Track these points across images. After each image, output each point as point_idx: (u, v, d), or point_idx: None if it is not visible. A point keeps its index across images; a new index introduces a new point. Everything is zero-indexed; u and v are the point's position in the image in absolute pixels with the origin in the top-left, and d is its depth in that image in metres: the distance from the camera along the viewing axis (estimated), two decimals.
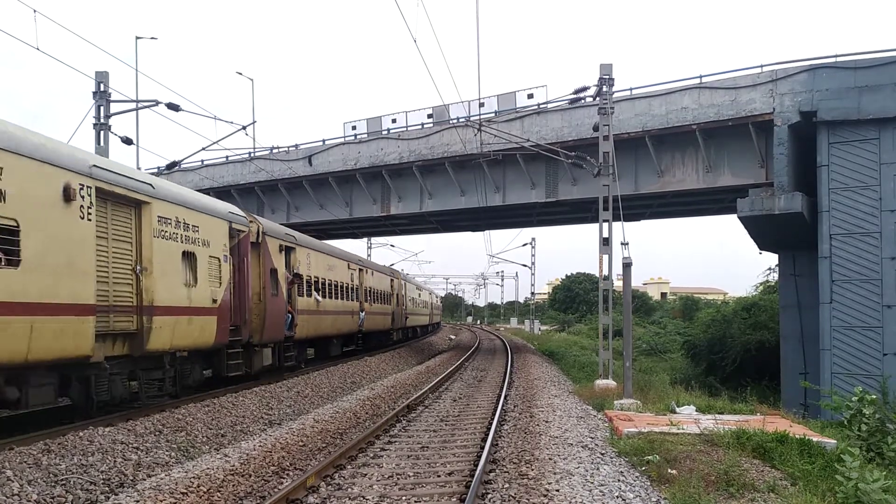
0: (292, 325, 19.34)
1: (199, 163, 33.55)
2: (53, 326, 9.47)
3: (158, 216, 12.27)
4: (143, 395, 12.42)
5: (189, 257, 13.35)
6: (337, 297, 24.54)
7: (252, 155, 31.89)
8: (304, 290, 20.68)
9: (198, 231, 13.75)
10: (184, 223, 13.20)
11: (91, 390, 10.89)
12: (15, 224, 8.82)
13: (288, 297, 19.08)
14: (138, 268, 11.79)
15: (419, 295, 49.40)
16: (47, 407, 11.08)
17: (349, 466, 9.40)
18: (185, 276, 13.22)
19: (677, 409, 12.99)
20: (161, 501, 7.36)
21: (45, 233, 9.33)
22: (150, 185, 12.34)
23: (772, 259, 37.91)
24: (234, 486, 8.35)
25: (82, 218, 10.13)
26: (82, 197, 10.11)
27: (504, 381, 20.07)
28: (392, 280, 36.58)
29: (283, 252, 18.92)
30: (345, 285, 25.73)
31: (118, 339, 11.43)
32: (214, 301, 14.24)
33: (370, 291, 30.44)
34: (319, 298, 22.14)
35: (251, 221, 16.94)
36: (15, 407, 9.60)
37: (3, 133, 8.84)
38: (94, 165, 10.71)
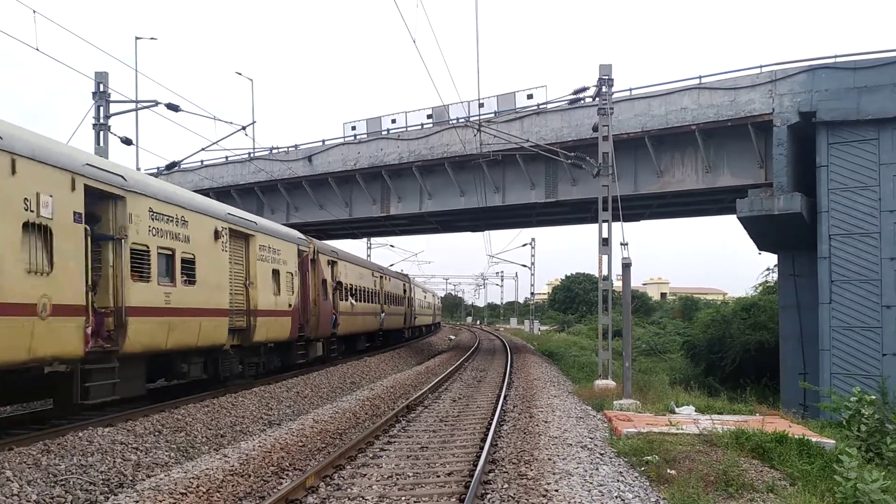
0: (335, 324, 23.52)
1: (199, 163, 33.55)
2: (208, 324, 14.01)
3: (259, 245, 17.05)
4: (246, 373, 16.73)
5: (275, 273, 18.02)
6: (365, 301, 29.20)
7: (252, 155, 31.90)
8: (343, 295, 24.95)
9: (279, 254, 18.42)
10: (272, 248, 17.93)
11: (220, 368, 15.22)
12: (192, 257, 13.43)
13: (333, 301, 23.38)
14: (248, 282, 16.39)
15: (424, 297, 53.54)
16: (176, 382, 14.58)
17: (348, 467, 9.41)
18: (274, 287, 17.81)
19: (676, 410, 13.00)
20: (160, 502, 7.37)
21: (206, 262, 13.99)
22: (255, 223, 17.40)
23: (771, 259, 37.87)
24: (233, 486, 8.36)
25: (223, 250, 14.90)
26: (223, 236, 14.86)
27: (503, 382, 20.07)
28: (404, 285, 41.43)
29: (329, 265, 23.46)
30: (370, 290, 30.38)
31: (236, 333, 15.77)
32: (290, 305, 18.82)
33: (388, 295, 34.77)
34: (353, 302, 26.60)
35: (309, 243, 21.37)
36: (182, 377, 14.16)
37: (192, 198, 14.38)
38: (229, 213, 15.73)
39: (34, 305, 9.20)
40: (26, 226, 9.12)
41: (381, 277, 33.55)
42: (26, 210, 9.14)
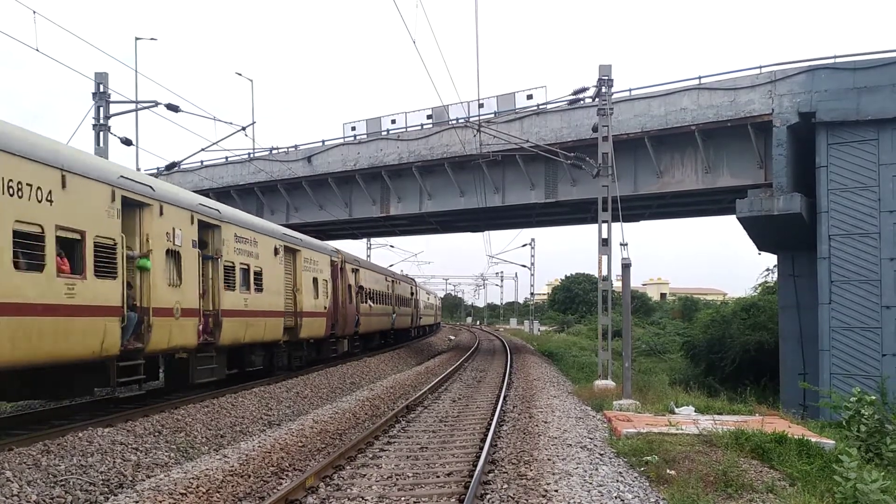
0: (357, 324, 26.99)
1: (199, 163, 33.55)
2: (271, 323, 17.54)
3: (304, 258, 20.44)
4: (293, 365, 20.02)
5: (315, 281, 21.31)
6: (380, 303, 32.66)
7: (251, 156, 31.91)
8: (364, 298, 28.28)
9: (317, 264, 21.85)
10: (312, 260, 21.32)
11: (274, 360, 18.59)
12: (260, 270, 16.96)
13: (355, 304, 26.78)
14: (296, 289, 19.63)
15: (427, 298, 56.84)
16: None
17: (348, 467, 9.41)
18: (314, 293, 21.13)
19: (676, 410, 13.00)
20: (160, 502, 7.36)
21: (269, 273, 17.53)
22: (300, 240, 20.87)
23: (771, 260, 37.87)
24: (233, 486, 8.36)
25: (280, 263, 18.41)
26: (279, 252, 18.36)
27: (503, 382, 20.08)
28: (411, 288, 44.58)
29: (353, 272, 26.87)
30: (384, 294, 33.77)
31: (287, 331, 18.92)
32: (325, 308, 22.17)
33: (398, 298, 38.11)
34: (371, 305, 29.87)
35: (338, 255, 24.73)
36: (249, 366, 17.07)
37: (261, 223, 18.26)
38: (284, 234, 19.52)
39: (172, 309, 12.60)
40: (167, 252, 12.56)
41: (393, 282, 37.07)
42: (167, 241, 12.59)
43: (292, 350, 19.99)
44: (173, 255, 12.74)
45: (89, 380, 11.38)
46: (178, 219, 13.01)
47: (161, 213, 12.32)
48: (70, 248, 10.01)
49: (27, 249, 9.03)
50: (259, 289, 16.82)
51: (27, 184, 8.98)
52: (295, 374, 19.32)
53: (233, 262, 15.46)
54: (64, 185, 9.69)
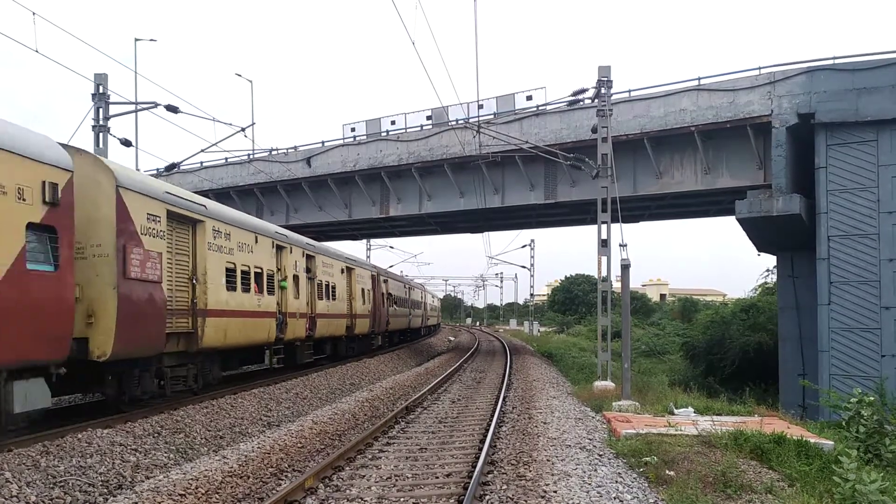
0: (388, 324, 33.37)
1: (199, 164, 33.60)
2: (341, 322, 24.29)
3: (357, 274, 27.24)
4: (349, 353, 26.51)
5: (363, 291, 28.03)
6: (401, 307, 39.01)
7: (251, 157, 31.92)
8: (390, 303, 34.50)
9: (363, 278, 28.46)
10: (361, 275, 28.07)
11: (339, 350, 25.48)
12: (334, 284, 23.51)
13: (385, 307, 32.94)
14: (351, 297, 26.09)
15: (432, 301, 62.26)
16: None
17: (347, 468, 9.41)
18: (362, 300, 27.76)
19: (675, 411, 13.00)
20: (159, 503, 7.37)
21: (338, 286, 24.20)
22: (355, 260, 27.98)
23: (770, 261, 37.90)
24: (232, 487, 8.36)
25: (344, 279, 24.94)
26: (344, 271, 25.19)
27: (503, 383, 20.07)
28: (421, 293, 50.92)
29: (384, 283, 33.23)
30: (404, 299, 40.30)
31: (347, 327, 25.46)
32: (368, 311, 28.84)
33: (412, 301, 44.22)
34: (396, 308, 36.61)
35: (375, 268, 32.11)
36: (323, 353, 23.90)
37: (336, 251, 25.36)
38: (347, 258, 26.36)
39: (295, 313, 19.35)
40: (293, 276, 19.43)
41: (410, 288, 43.93)
42: (293, 269, 19.50)
43: (348, 343, 26.91)
44: (295, 278, 19.65)
45: (260, 356, 18.95)
46: (297, 254, 20.19)
47: (290, 252, 19.44)
48: (258, 277, 16.99)
49: (244, 279, 16.01)
50: (333, 298, 23.72)
51: (244, 243, 16.21)
52: (295, 374, 19.34)
53: (322, 280, 22.52)
54: (256, 241, 17.02)
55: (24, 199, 8.86)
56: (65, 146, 10.24)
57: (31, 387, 9.20)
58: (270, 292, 17.42)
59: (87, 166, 10.82)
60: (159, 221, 12.20)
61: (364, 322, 27.91)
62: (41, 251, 9.19)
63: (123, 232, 11.00)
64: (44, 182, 9.18)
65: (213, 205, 15.42)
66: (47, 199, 9.20)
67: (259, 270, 16.88)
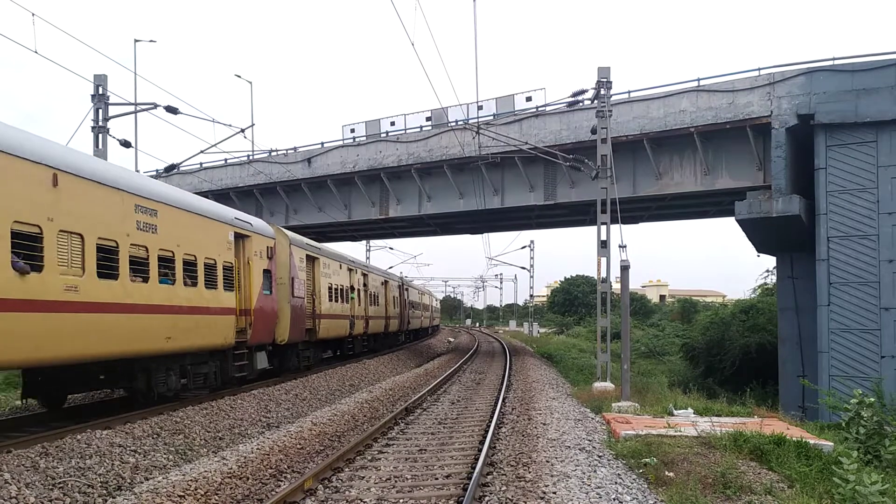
0: (409, 324, 42.45)
1: (198, 165, 33.56)
2: (381, 322, 33.34)
3: (390, 285, 35.97)
4: (380, 347, 33.14)
5: (394, 297, 36.82)
6: (418, 310, 49.07)
7: (251, 158, 31.90)
8: (410, 307, 43.87)
9: (393, 288, 36.67)
10: (392, 284, 36.65)
11: (377, 343, 32.86)
12: (377, 292, 32.82)
13: (408, 310, 42.25)
14: (387, 302, 34.53)
15: (434, 303, 68.63)
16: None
17: (347, 469, 9.41)
18: (394, 304, 36.97)
19: (675, 412, 13.00)
20: None
21: (380, 295, 33.73)
22: (392, 274, 38.65)
23: (770, 262, 37.90)
24: (231, 488, 8.36)
25: (383, 289, 34.42)
26: (385, 284, 35.02)
27: (502, 384, 20.06)
28: (431, 297, 62.20)
29: (406, 290, 42.18)
30: (420, 303, 50.27)
31: (385, 326, 34.05)
32: (397, 313, 37.59)
33: (423, 305, 53.41)
34: (414, 311, 45.91)
35: (401, 279, 41.13)
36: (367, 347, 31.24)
37: (380, 270, 36.70)
38: (385, 272, 37.63)
39: (358, 316, 27.50)
40: (357, 290, 27.86)
41: (422, 294, 54.45)
42: (357, 284, 28.14)
43: (384, 339, 34.61)
44: (357, 291, 27.54)
45: (339, 345, 27.28)
46: (359, 273, 28.54)
47: (356, 272, 27.89)
48: (342, 292, 25.42)
49: (336, 294, 24.16)
50: (377, 304, 32.29)
51: (335, 270, 24.33)
52: (294, 375, 19.35)
53: (371, 291, 30.42)
54: (340, 267, 25.36)
55: (261, 257, 17.27)
56: (271, 225, 19.34)
57: (261, 356, 17.69)
58: (346, 302, 26.00)
59: (279, 234, 19.33)
60: (303, 261, 20.95)
61: (395, 322, 37.32)
62: (266, 284, 17.48)
63: (292, 269, 19.57)
64: (266, 247, 17.79)
65: (323, 247, 25.25)
66: (268, 256, 17.80)
67: (341, 287, 25.36)
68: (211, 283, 14.27)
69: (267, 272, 17.63)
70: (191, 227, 13.76)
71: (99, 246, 10.63)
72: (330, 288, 23.64)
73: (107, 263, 10.81)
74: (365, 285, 29.14)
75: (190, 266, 13.46)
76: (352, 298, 26.33)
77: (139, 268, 11.73)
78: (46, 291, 9.46)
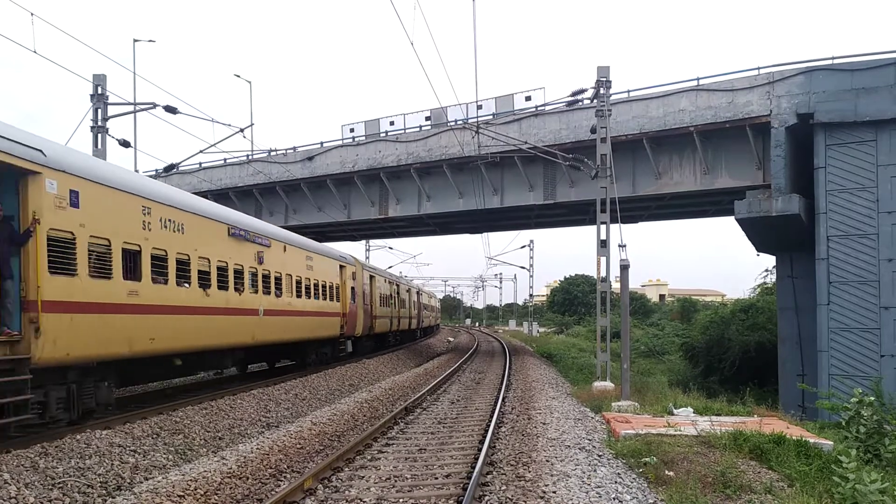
0: (420, 322, 48.86)
1: (197, 165, 33.56)
2: (406, 321, 41.68)
3: (406, 290, 42.75)
4: (406, 339, 42.75)
5: (413, 301, 45.75)
6: (427, 311, 55.76)
7: (250, 157, 31.89)
8: (422, 308, 51.22)
9: (412, 293, 45.45)
10: (411, 290, 45.52)
11: (405, 336, 42.95)
12: (406, 299, 42.13)
13: (420, 311, 49.20)
14: (409, 306, 42.84)
15: (436, 304, 73.13)
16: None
17: (346, 469, 9.40)
18: (413, 307, 44.87)
19: (675, 411, 13.00)
20: None
21: (404, 302, 41.12)
22: (410, 281, 50.86)
23: (769, 261, 37.91)
24: (231, 488, 8.35)
25: (407, 295, 42.67)
26: (409, 292, 44.14)
27: (502, 384, 20.06)
28: (433, 298, 68.20)
29: (419, 294, 49.96)
30: (427, 304, 56.39)
31: (408, 324, 42.57)
32: (415, 314, 46.11)
33: (431, 307, 60.95)
34: (425, 312, 53.22)
35: (417, 287, 51.89)
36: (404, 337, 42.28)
37: (401, 277, 46.08)
38: (409, 280, 51.37)
39: (394, 316, 36.73)
40: (392, 297, 36.77)
41: (431, 297, 64.09)
42: (394, 292, 37.53)
43: (409, 334, 43.86)
44: (395, 299, 36.60)
45: (384, 340, 34.93)
46: (395, 285, 36.94)
47: (396, 284, 37.90)
48: (391, 298, 35.63)
49: (387, 300, 34.43)
50: (405, 307, 40.26)
51: (386, 282, 34.56)
52: (295, 375, 19.36)
53: (403, 297, 38.95)
54: (385, 281, 34.45)
55: (350, 279, 25.81)
56: (352, 257, 27.17)
57: (348, 343, 26.17)
58: (389, 306, 34.76)
59: (356, 262, 27.57)
60: (368, 279, 29.29)
61: (415, 321, 46.04)
62: (352, 296, 26.00)
63: (363, 285, 28.04)
64: (352, 272, 26.28)
65: (379, 269, 34.87)
66: (352, 277, 26.20)
67: (387, 296, 34.25)
68: (330, 297, 23.31)
69: (353, 288, 25.93)
70: (325, 264, 23.28)
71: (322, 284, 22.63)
72: (380, 296, 32.40)
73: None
74: (398, 293, 38.45)
75: (324, 288, 22.66)
76: (391, 304, 35.50)
77: (302, 291, 20.63)
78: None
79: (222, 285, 15.03)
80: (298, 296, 20.15)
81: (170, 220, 12.83)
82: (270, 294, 17.91)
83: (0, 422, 8.71)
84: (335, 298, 23.77)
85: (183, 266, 13.32)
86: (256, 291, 17.00)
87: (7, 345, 9.00)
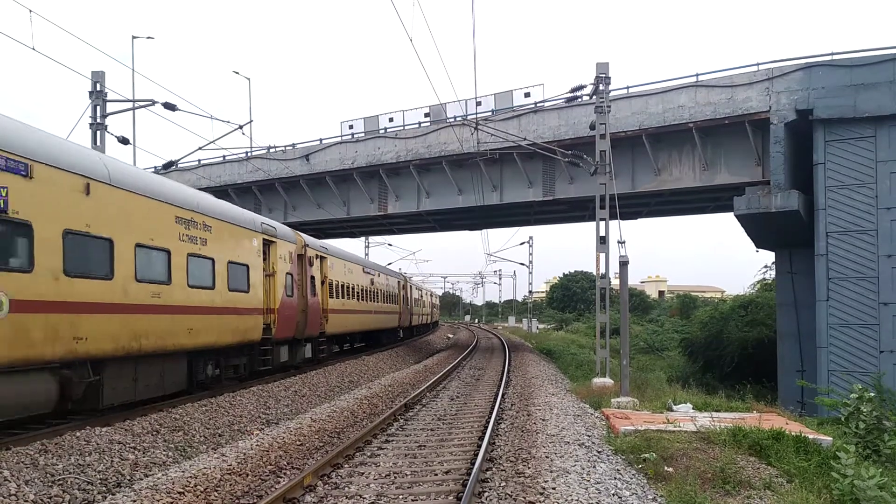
0: (411, 320, 45.94)
1: (196, 162, 33.56)
2: (427, 317, 58.20)
3: (424, 292, 57.51)
4: (424, 330, 57.04)
5: (425, 301, 56.24)
6: (418, 307, 51.80)
7: (249, 154, 31.87)
8: (413, 304, 47.85)
9: (396, 287, 38.82)
10: (402, 286, 41.47)
11: (421, 331, 54.48)
12: (420, 298, 52.85)
13: (410, 308, 46.26)
14: (429, 305, 60.79)
15: (435, 301, 74.31)
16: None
17: (346, 465, 9.41)
18: (430, 307, 61.27)
19: (674, 407, 13.00)
20: (158, 501, 7.36)
21: (422, 299, 54.30)
22: (423, 284, 64.09)
23: (769, 257, 37.91)
24: (231, 485, 8.35)
25: (424, 298, 56.26)
26: (420, 292, 54.06)
27: (501, 380, 20.08)
28: (428, 293, 67.27)
29: (409, 289, 45.41)
30: (420, 300, 53.45)
31: (428, 318, 59.96)
32: (428, 312, 58.77)
33: (426, 303, 59.14)
34: (415, 307, 49.23)
35: (405, 278, 44.37)
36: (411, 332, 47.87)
37: (428, 287, 70.93)
38: (403, 275, 45.42)
39: (423, 314, 54.50)
40: (422, 300, 54.01)
41: (431, 294, 67.09)
42: (409, 293, 45.10)
43: (431, 326, 59.94)
44: (422, 302, 53.35)
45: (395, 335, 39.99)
46: (411, 287, 46.16)
47: (424, 291, 57.91)
48: (419, 301, 50.99)
49: (421, 303, 52.14)
50: (424, 306, 53.41)
51: (417, 289, 52.96)
52: (294, 372, 19.35)
53: (426, 300, 56.93)
54: (418, 290, 53.36)
55: (400, 288, 40.45)
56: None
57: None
58: (422, 307, 48.11)
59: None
60: (408, 286, 45.14)
61: (427, 317, 54.77)
62: (405, 301, 42.16)
63: (412, 292, 47.71)
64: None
65: (410, 278, 46.26)
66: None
67: (420, 300, 50.22)
68: (391, 301, 28.62)
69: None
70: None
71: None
72: (417, 301, 46.40)
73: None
74: (422, 297, 51.91)
75: (387, 295, 27.51)
76: (421, 304, 48.46)
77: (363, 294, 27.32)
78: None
79: None
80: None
81: None
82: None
83: None
84: (393, 301, 27.14)
85: None
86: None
87: None
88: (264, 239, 17.49)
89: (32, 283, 9.26)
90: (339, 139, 31.38)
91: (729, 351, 31.83)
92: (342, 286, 25.46)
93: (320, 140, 31.34)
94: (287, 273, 18.95)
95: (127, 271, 11.26)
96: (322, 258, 22.83)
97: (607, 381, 17.85)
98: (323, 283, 22.73)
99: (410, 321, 44.72)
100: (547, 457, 9.61)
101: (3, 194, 8.87)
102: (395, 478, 8.72)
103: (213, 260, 14.24)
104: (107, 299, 10.80)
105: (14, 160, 9.10)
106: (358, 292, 28.30)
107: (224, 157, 32.98)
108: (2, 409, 9.12)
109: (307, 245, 21.10)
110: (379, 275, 33.72)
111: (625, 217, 21.15)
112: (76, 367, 10.31)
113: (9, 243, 9.10)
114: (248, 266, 16.07)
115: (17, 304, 8.92)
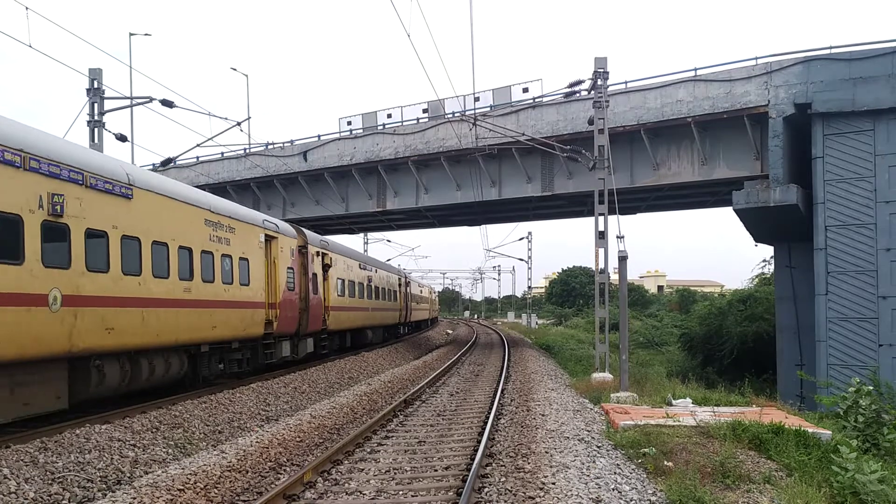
0: (409, 316, 45.14)
1: (195, 159, 33.47)
2: (426, 313, 59.04)
3: (427, 290, 62.09)
4: (425, 326, 58.80)
5: (427, 299, 60.08)
6: (420, 304, 53.73)
7: (247, 151, 31.82)
8: (413, 301, 47.65)
9: (395, 284, 38.07)
10: (405, 283, 42.57)
11: (425, 326, 58.79)
12: (424, 296, 57.63)
13: (408, 304, 45.04)
14: (428, 301, 60.86)
15: (435, 297, 76.46)
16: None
17: (346, 461, 9.41)
18: (431, 304, 65.72)
19: (673, 402, 13.01)
20: (158, 498, 7.36)
21: (426, 296, 59.23)
22: (427, 283, 72.83)
23: (767, 251, 37.92)
24: (230, 482, 8.35)
25: (423, 294, 57.80)
26: (424, 289, 58.86)
27: (501, 376, 20.07)
28: (429, 290, 68.81)
29: (409, 286, 45.49)
30: (421, 297, 54.99)
31: (429, 315, 61.86)
32: (431, 308, 65.14)
33: (426, 300, 60.75)
34: (417, 304, 50.53)
35: (405, 276, 43.41)
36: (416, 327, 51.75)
37: (430, 285, 74.70)
38: (402, 272, 43.89)
39: (428, 310, 60.85)
40: (426, 298, 59.40)
41: (431, 291, 68.93)
42: (410, 289, 45.98)
43: (432, 322, 64.80)
44: (429, 299, 61.76)
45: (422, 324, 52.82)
46: (427, 289, 61.13)
47: (428, 289, 64.77)
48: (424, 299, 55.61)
49: (423, 301, 56.10)
50: (427, 303, 58.08)
51: (420, 285, 57.57)
52: (294, 369, 19.35)
53: (429, 297, 62.44)
54: (426, 289, 62.14)
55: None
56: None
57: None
58: (425, 304, 54.03)
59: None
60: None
61: (427, 313, 55.80)
62: (423, 300, 55.29)
63: (422, 290, 57.77)
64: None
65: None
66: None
67: (422, 296, 53.41)
68: (392, 297, 30.94)
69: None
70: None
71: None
72: (416, 298, 47.23)
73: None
74: (421, 293, 52.76)
75: (388, 292, 32.06)
76: (421, 301, 50.45)
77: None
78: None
79: None
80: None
81: None
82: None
83: None
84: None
85: None
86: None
87: None
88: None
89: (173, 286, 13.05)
90: (337, 135, 31.33)
91: (728, 345, 31.81)
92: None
93: (318, 136, 31.30)
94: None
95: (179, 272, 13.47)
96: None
97: (607, 375, 17.87)
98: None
99: (411, 317, 45.31)
100: (547, 452, 9.61)
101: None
102: (395, 474, 8.71)
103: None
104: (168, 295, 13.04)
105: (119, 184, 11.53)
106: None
107: (222, 154, 32.94)
108: (156, 378, 12.76)
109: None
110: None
111: (623, 212, 21.13)
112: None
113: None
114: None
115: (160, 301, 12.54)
